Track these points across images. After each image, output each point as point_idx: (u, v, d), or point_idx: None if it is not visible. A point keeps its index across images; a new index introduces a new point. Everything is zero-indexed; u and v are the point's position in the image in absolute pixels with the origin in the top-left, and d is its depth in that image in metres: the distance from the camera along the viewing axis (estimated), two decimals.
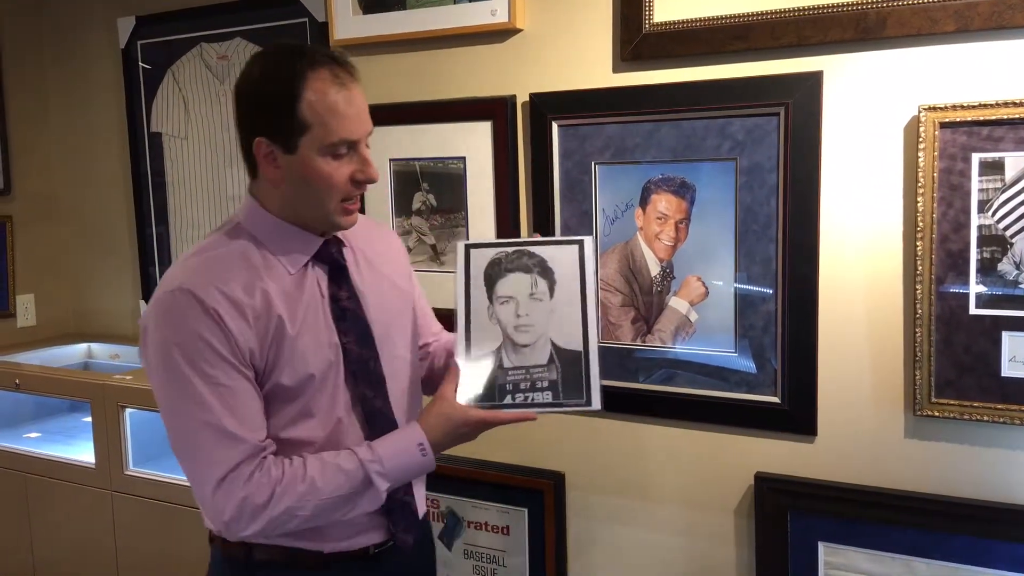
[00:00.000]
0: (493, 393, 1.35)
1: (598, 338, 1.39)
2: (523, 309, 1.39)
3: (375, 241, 1.50)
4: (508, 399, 1.35)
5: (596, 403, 1.35)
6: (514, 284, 1.40)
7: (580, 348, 1.37)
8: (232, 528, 1.24)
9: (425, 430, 1.32)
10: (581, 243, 1.42)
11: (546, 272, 1.41)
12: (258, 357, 1.26)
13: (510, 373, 1.36)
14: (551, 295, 1.40)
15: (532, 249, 1.42)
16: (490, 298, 1.40)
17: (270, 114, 1.25)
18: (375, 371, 1.37)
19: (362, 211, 2.08)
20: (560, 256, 1.42)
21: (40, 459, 2.65)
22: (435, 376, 1.58)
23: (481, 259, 1.42)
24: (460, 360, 1.36)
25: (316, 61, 1.24)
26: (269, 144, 1.25)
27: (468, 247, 1.43)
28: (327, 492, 1.25)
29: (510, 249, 1.43)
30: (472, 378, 1.35)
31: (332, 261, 1.37)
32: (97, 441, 2.52)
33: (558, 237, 1.50)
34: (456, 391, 1.34)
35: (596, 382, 1.36)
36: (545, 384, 1.36)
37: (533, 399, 1.35)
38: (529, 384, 1.36)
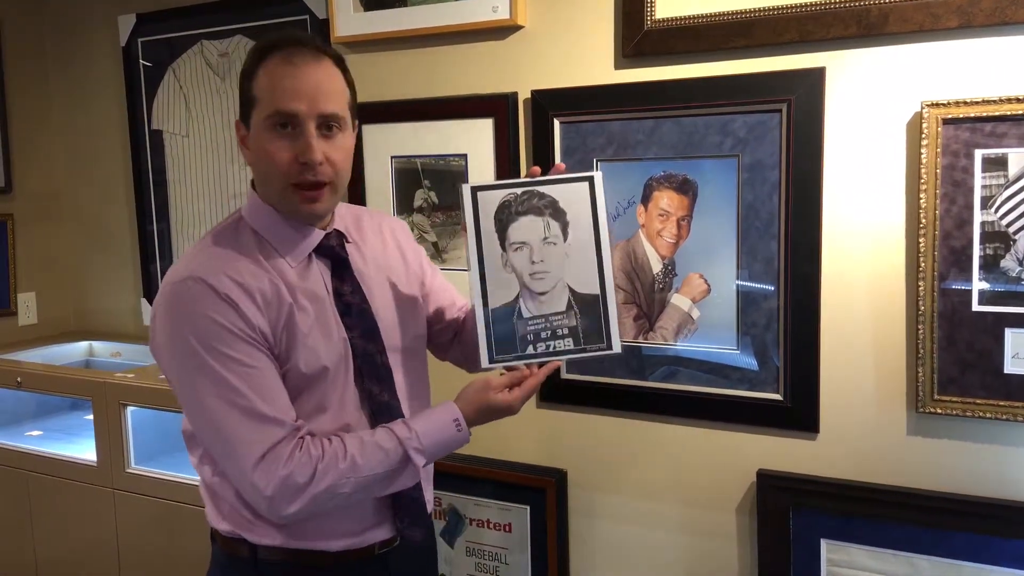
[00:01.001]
0: (515, 345, 1.33)
1: (614, 279, 1.36)
2: (537, 255, 1.34)
3: (378, 231, 1.49)
4: (530, 349, 1.33)
5: (616, 346, 1.34)
6: (527, 228, 1.34)
7: (597, 292, 1.34)
8: (275, 506, 1.23)
9: (461, 407, 1.32)
10: (591, 179, 1.35)
11: (558, 213, 1.35)
12: (272, 340, 1.27)
13: (530, 323, 1.33)
14: (564, 238, 1.35)
15: (542, 189, 1.35)
16: (503, 245, 1.34)
17: (240, 96, 1.32)
18: (382, 365, 1.37)
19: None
20: (571, 195, 1.35)
21: (42, 457, 2.65)
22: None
23: (489, 203, 1.34)
24: (478, 314, 1.32)
25: (279, 44, 1.27)
26: (243, 127, 1.32)
27: (474, 189, 1.35)
28: (367, 470, 1.26)
29: (519, 190, 1.35)
30: (493, 332, 1.33)
31: (334, 255, 1.37)
32: (99, 439, 2.52)
33: (566, 175, 1.37)
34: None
35: (615, 326, 1.33)
36: (565, 331, 1.34)
37: (555, 347, 1.34)
38: (550, 333, 1.34)
